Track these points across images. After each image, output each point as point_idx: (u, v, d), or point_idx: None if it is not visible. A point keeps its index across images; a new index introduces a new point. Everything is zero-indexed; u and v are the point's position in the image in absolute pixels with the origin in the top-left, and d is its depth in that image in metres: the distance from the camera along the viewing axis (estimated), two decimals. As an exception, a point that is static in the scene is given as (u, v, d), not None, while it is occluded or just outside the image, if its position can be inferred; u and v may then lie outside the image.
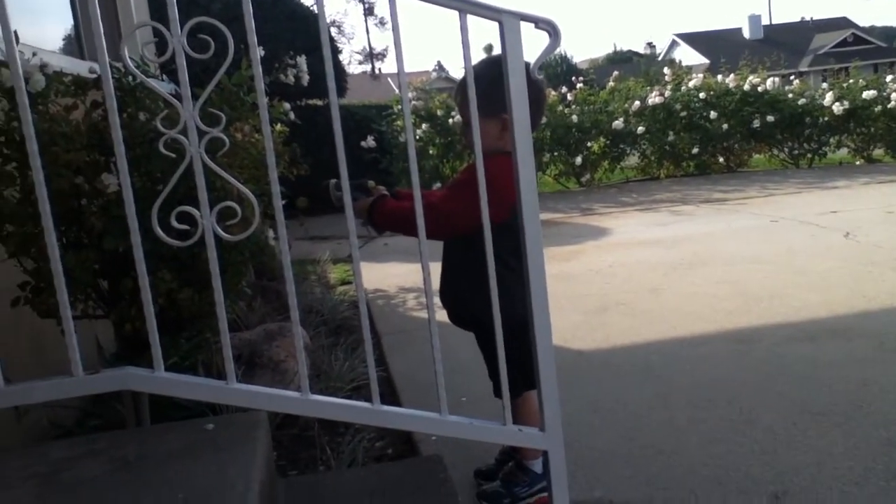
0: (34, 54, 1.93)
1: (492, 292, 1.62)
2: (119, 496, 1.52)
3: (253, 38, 1.49)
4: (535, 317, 1.65)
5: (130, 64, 1.54)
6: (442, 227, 1.92)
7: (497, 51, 1.62)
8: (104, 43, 1.47)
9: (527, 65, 1.59)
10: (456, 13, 1.54)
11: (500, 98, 1.57)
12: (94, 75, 1.99)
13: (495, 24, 1.55)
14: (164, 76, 2.86)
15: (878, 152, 11.77)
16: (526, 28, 1.57)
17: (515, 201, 1.71)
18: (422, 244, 1.63)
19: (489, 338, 1.70)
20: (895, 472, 2.09)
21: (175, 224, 1.47)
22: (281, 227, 1.59)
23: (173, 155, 1.52)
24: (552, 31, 1.58)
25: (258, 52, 1.52)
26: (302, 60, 2.55)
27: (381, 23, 44.83)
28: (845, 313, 3.62)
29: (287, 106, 2.67)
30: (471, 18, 1.55)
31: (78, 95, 2.02)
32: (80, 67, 2.87)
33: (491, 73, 1.60)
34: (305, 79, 2.56)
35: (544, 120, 10.07)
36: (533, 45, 1.68)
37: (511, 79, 1.57)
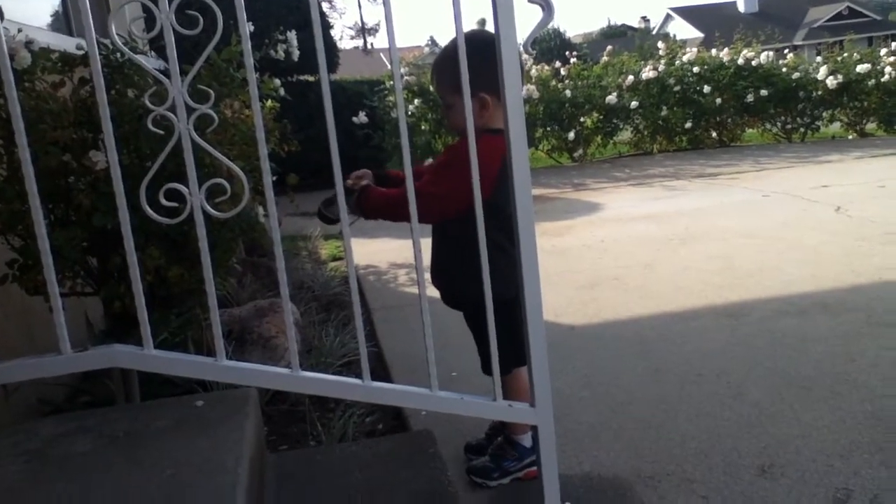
0: (19, 30, 1.91)
1: (483, 272, 1.63)
2: (108, 472, 1.53)
3: (242, 13, 1.47)
4: (526, 292, 1.66)
5: (118, 40, 1.53)
6: (428, 211, 1.90)
7: (490, 26, 1.60)
8: (91, 19, 1.45)
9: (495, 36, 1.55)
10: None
11: (477, 76, 1.56)
12: (82, 52, 1.97)
13: (488, -1, 1.54)
14: (153, 53, 2.84)
15: (871, 126, 11.77)
16: (519, 2, 1.56)
17: (498, 179, 1.71)
18: (413, 223, 1.62)
19: (479, 316, 1.70)
20: (880, 445, 2.11)
21: (164, 201, 1.47)
22: (270, 204, 1.58)
23: (161, 132, 1.51)
24: (545, 5, 1.56)
25: (247, 28, 1.50)
26: (292, 36, 2.52)
27: (374, -3, 44.40)
28: (834, 287, 3.64)
29: (277, 82, 2.65)
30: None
31: (65, 72, 2.00)
32: (67, 44, 2.84)
33: (475, 47, 1.58)
34: (296, 54, 2.53)
35: (537, 95, 10.03)
36: (526, 19, 1.67)
37: (504, 54, 1.55)
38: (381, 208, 1.96)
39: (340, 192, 1.60)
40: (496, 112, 1.90)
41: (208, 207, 1.51)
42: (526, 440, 2.08)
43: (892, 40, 12.19)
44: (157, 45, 1.51)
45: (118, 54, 2.02)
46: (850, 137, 11.59)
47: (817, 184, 6.88)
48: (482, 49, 1.62)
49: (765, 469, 2.05)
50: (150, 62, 1.92)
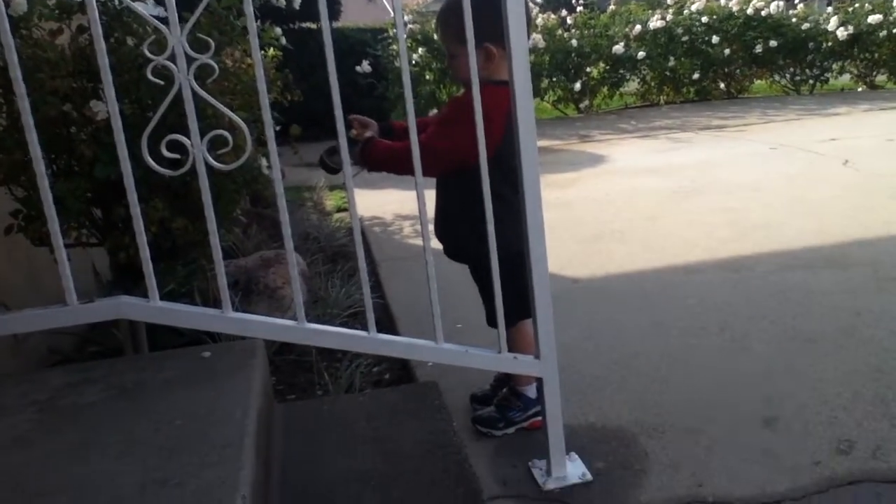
0: (15, -25, 1.86)
1: (487, 225, 1.62)
2: (116, 422, 1.55)
3: (241, -42, 1.44)
4: (531, 245, 1.65)
5: (115, -14, 1.50)
6: (433, 165, 1.88)
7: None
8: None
9: None
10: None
11: (482, 26, 1.53)
12: (79, -1, 1.93)
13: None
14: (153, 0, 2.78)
15: (881, 78, 11.59)
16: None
17: (506, 132, 1.69)
18: (417, 176, 1.61)
19: (483, 270, 1.70)
20: (883, 397, 2.12)
21: (165, 153, 1.45)
22: (273, 155, 1.56)
23: (162, 82, 1.48)
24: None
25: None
26: (294, -18, 2.48)
27: (377, -58, 43.43)
28: (841, 242, 3.62)
29: (278, 30, 2.60)
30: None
31: (63, 20, 1.96)
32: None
33: (473, 1, 1.54)
34: (297, 1, 2.48)
35: (542, 44, 9.89)
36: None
37: (509, 3, 1.52)
38: (386, 161, 1.94)
39: (343, 143, 1.58)
40: (501, 63, 1.86)
41: (210, 159, 1.49)
42: (531, 391, 2.10)
43: (906, -11, 11.94)
44: (156, -7, 1.48)
45: (117, 1, 1.98)
46: (860, 90, 11.44)
47: (825, 137, 6.80)
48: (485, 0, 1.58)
49: (768, 421, 2.06)
50: (149, 10, 1.89)
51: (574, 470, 1.86)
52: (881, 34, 10.72)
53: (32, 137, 1.43)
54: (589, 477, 1.84)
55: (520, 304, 1.79)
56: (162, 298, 1.57)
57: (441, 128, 1.92)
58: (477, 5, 1.51)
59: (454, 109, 1.93)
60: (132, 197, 1.49)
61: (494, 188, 1.63)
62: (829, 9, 11.89)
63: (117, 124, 1.46)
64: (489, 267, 1.68)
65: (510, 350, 1.77)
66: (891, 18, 10.74)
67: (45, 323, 1.59)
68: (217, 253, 1.56)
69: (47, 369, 2.22)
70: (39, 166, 1.45)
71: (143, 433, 1.50)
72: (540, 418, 1.90)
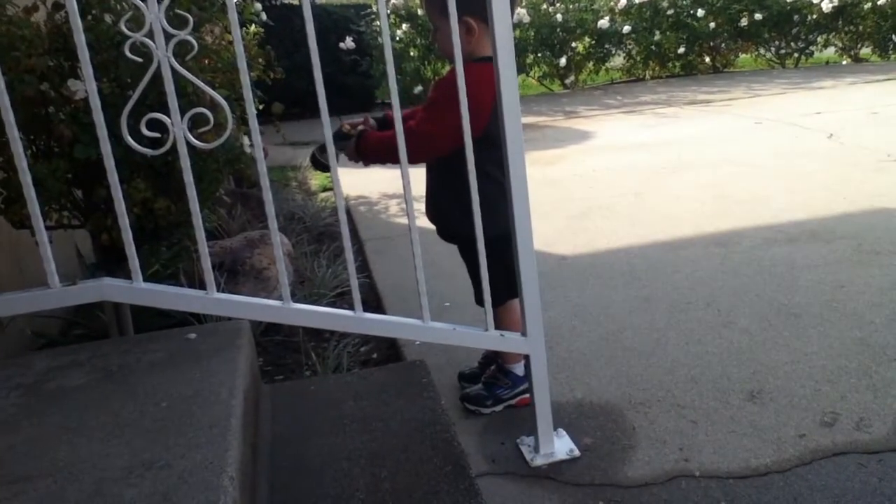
0: (-13, -49, 1.82)
1: (473, 205, 1.61)
2: (102, 405, 1.54)
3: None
4: (517, 223, 1.64)
5: (90, -39, 1.47)
6: (425, 151, 1.87)
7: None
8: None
9: None
10: None
11: None
12: (56, -26, 1.89)
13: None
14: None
15: (865, 51, 11.61)
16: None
17: (493, 111, 1.68)
18: (402, 155, 1.59)
19: (473, 250, 1.69)
20: (866, 370, 2.14)
21: (145, 132, 1.43)
22: (255, 134, 1.54)
23: (140, 59, 1.46)
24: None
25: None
26: (273, -43, 2.43)
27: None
28: (825, 215, 3.64)
29: (258, 6, 2.58)
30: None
31: (38, -4, 1.93)
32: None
33: None
34: (278, -24, 2.45)
35: (528, 19, 9.82)
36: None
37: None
38: (380, 152, 1.92)
39: (327, 124, 1.56)
40: (483, 38, 1.85)
41: (191, 138, 1.47)
42: (518, 368, 2.10)
43: (891, -39, 11.92)
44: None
45: (94, -23, 1.94)
46: (845, 63, 11.45)
47: (810, 110, 6.81)
48: None
49: (754, 394, 2.07)
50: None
51: (562, 446, 1.87)
52: (865, 6, 10.72)
53: (9, 118, 1.40)
54: (577, 453, 1.85)
55: (508, 283, 1.79)
56: (146, 280, 1.56)
57: (428, 111, 1.90)
58: None
59: (439, 91, 1.91)
60: (113, 178, 1.47)
61: (483, 168, 1.62)
62: (815, -20, 11.88)
63: (96, 103, 1.43)
64: (495, 244, 1.68)
65: (499, 328, 1.77)
66: (875, -10, 10.74)
67: (28, 306, 1.58)
68: (200, 234, 1.54)
69: (32, 353, 2.20)
70: (17, 147, 1.43)
71: (130, 415, 1.49)
72: (528, 396, 1.91)
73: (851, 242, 3.20)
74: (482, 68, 1.70)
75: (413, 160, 1.65)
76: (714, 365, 2.26)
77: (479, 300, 1.91)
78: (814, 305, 2.60)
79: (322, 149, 1.89)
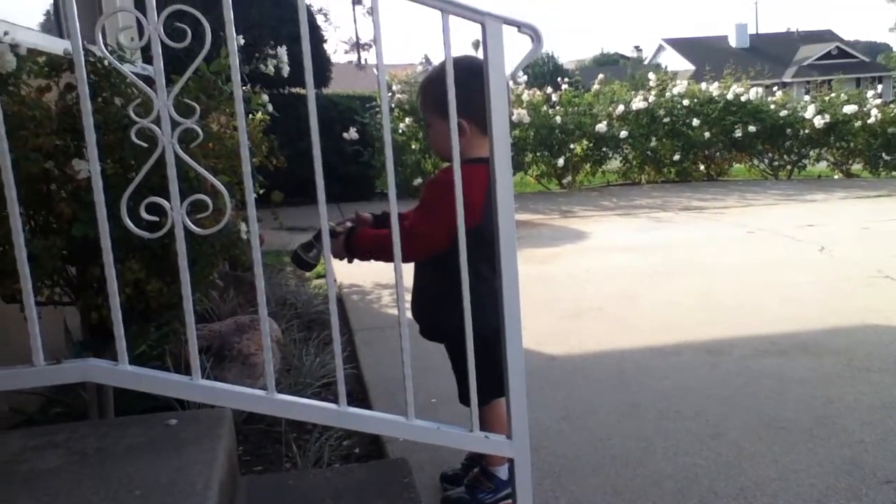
0: (6, 33, 1.88)
1: (464, 301, 1.61)
2: (75, 490, 1.50)
3: (231, 29, 1.46)
4: (506, 323, 1.64)
5: (104, 49, 1.51)
6: (420, 249, 1.89)
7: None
8: (78, 25, 1.43)
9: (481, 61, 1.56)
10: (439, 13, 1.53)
11: (457, 101, 1.55)
12: (70, 56, 1.94)
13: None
14: (143, 65, 2.81)
15: (856, 167, 11.90)
16: (509, 30, 1.56)
17: (485, 210, 1.70)
18: (395, 245, 1.61)
19: (461, 348, 1.68)
20: (856, 492, 2.10)
21: (144, 215, 1.45)
22: (253, 223, 1.56)
23: (145, 144, 1.49)
24: (535, 36, 1.56)
25: (236, 44, 1.49)
26: (282, 51, 2.51)
27: (369, 12, 44.40)
28: (816, 328, 3.65)
29: (265, 97, 2.63)
30: (454, 18, 1.53)
31: (52, 77, 1.98)
32: (56, 46, 2.82)
33: (457, 73, 1.57)
34: (286, 70, 2.52)
35: (528, 120, 10.08)
36: (516, 47, 1.67)
37: (492, 82, 1.55)
38: (372, 250, 1.93)
39: (324, 215, 1.58)
40: (476, 140, 1.88)
41: (189, 223, 1.49)
42: (502, 472, 2.06)
43: (879, 82, 12.37)
44: (149, 55, 1.49)
45: (106, 61, 1.99)
46: (836, 177, 11.72)
47: (802, 222, 6.92)
48: (465, 76, 1.60)
49: (741, 511, 2.03)
50: (138, 70, 1.90)
51: (544, 556, 1.81)
52: (856, 124, 11.06)
53: (11, 194, 1.42)
54: (559, 564, 1.79)
55: (494, 381, 1.77)
56: (133, 360, 1.54)
57: (421, 212, 1.91)
58: (457, 81, 1.54)
59: (433, 192, 1.93)
60: (108, 258, 1.47)
61: (475, 266, 1.63)
62: (807, 97, 12.28)
63: (98, 184, 1.45)
64: (465, 344, 1.66)
65: (483, 428, 1.74)
66: (865, 109, 11.09)
67: (10, 383, 1.56)
68: (190, 318, 1.54)
69: (7, 431, 2.16)
70: (17, 223, 1.44)
71: (101, 503, 1.45)
72: (510, 501, 1.86)
73: (842, 357, 3.20)
74: (473, 169, 1.73)
75: (408, 259, 1.67)
76: (701, 478, 2.21)
77: (464, 399, 1.89)
78: (803, 420, 2.58)
79: (305, 247, 1.90)
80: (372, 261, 1.95)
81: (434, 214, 1.84)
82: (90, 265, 1.95)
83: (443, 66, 1.61)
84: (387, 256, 1.68)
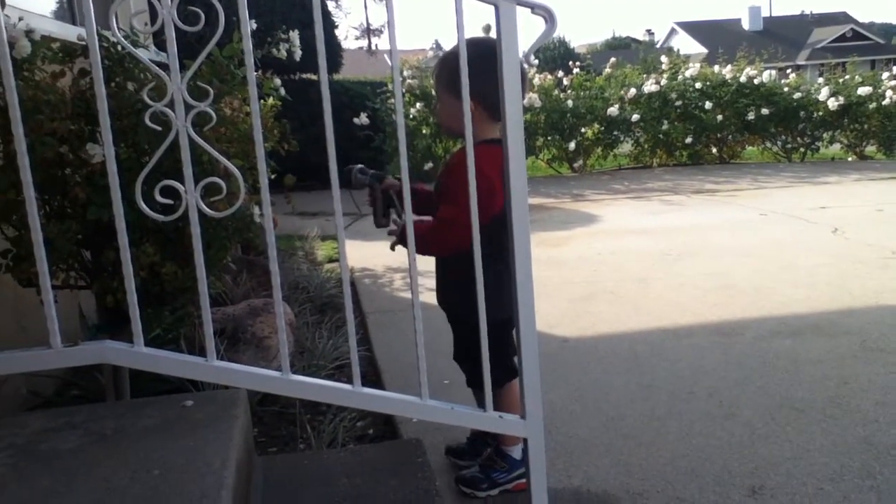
0: (20, 19, 1.89)
1: (478, 285, 1.61)
2: (93, 470, 1.52)
3: (244, 12, 1.46)
4: (520, 304, 1.64)
5: (118, 34, 1.52)
6: (460, 238, 1.84)
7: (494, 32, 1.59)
8: (93, 10, 1.44)
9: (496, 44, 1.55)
10: (451, -6, 1.52)
11: (473, 81, 1.54)
12: (83, 42, 1.95)
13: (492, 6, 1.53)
14: (155, 48, 2.82)
15: (870, 149, 11.80)
16: (522, 12, 1.55)
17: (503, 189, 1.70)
18: (408, 226, 1.61)
19: (473, 337, 1.67)
20: (870, 470, 2.10)
21: (159, 198, 1.46)
22: (266, 205, 1.56)
23: (159, 128, 1.49)
24: (548, 17, 1.56)
25: (249, 27, 1.49)
26: (294, 35, 2.50)
27: (380, -2, 44.22)
28: (829, 310, 3.64)
29: (278, 82, 2.64)
30: (466, 1, 1.53)
31: (65, 62, 1.99)
32: (69, 33, 2.83)
33: (469, 55, 1.56)
34: (298, 54, 2.51)
35: (539, 104, 10.04)
36: (529, 29, 1.67)
37: (505, 64, 1.55)
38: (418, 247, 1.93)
39: (336, 197, 1.58)
40: (482, 123, 1.87)
41: (203, 206, 1.49)
42: (516, 451, 2.07)
43: (895, 64, 12.22)
44: (160, 39, 1.50)
45: (119, 46, 2.00)
46: (850, 159, 11.62)
47: (815, 205, 6.88)
48: (477, 60, 1.59)
49: (755, 490, 2.03)
50: (151, 56, 1.91)
51: (557, 534, 1.82)
52: (871, 106, 10.95)
53: (27, 178, 1.43)
54: (572, 542, 1.81)
55: (508, 366, 1.79)
56: (147, 344, 1.55)
57: (451, 200, 1.89)
58: (471, 60, 1.53)
59: (455, 179, 1.90)
60: (123, 241, 1.49)
61: (499, 253, 1.64)
62: (821, 79, 12.16)
63: (112, 168, 1.46)
64: (498, 329, 1.68)
65: (497, 408, 1.75)
66: (879, 91, 10.97)
67: (29, 365, 1.57)
68: (205, 300, 1.55)
69: (27, 413, 2.18)
70: (32, 207, 1.45)
71: (120, 482, 1.47)
72: (524, 480, 1.87)
73: (855, 338, 3.19)
74: (489, 150, 1.74)
75: (446, 251, 1.85)
76: (715, 458, 2.22)
77: (471, 383, 1.90)
78: (817, 401, 2.58)
79: (361, 171, 2.03)
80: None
81: (466, 200, 1.82)
82: (105, 249, 1.96)
83: (456, 48, 1.60)
84: (427, 249, 1.81)
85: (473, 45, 1.72)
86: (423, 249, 1.85)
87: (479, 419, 1.75)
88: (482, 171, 1.60)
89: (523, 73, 1.73)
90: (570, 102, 10.50)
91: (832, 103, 10.84)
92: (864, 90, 10.91)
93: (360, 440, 2.48)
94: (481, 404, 1.71)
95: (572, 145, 10.78)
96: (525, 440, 1.75)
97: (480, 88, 1.63)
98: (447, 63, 1.89)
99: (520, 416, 1.74)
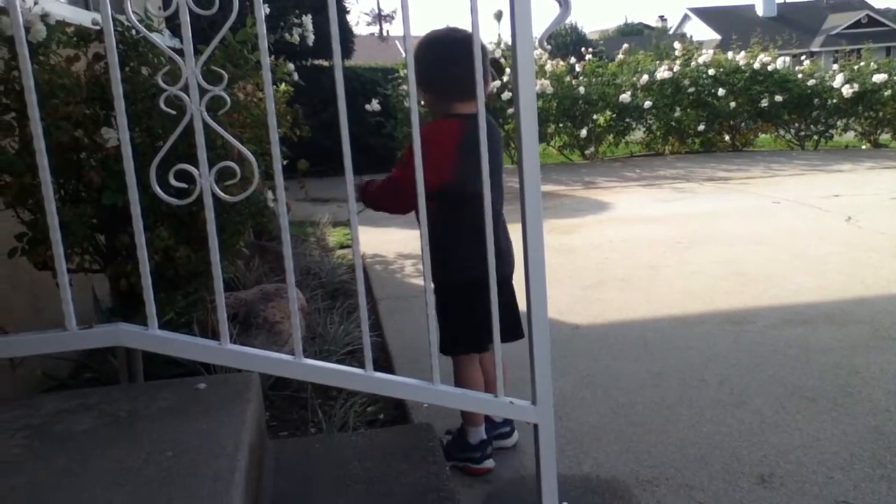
0: (35, 3, 1.90)
1: (423, 252, 1.69)
2: (108, 451, 1.53)
3: (258, -4, 1.46)
4: (532, 290, 1.65)
5: (133, 18, 1.52)
6: (402, 196, 1.95)
7: (507, 18, 1.59)
8: (107, -6, 1.44)
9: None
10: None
11: (418, 73, 1.89)
12: (98, 27, 1.96)
13: (505, -9, 1.53)
14: (169, 32, 2.82)
15: (885, 137, 11.69)
16: (536, -2, 1.54)
17: (461, 157, 1.92)
18: (421, 213, 1.62)
19: (440, 299, 1.84)
20: (881, 459, 2.10)
21: (173, 182, 1.46)
22: (280, 190, 1.57)
23: (174, 112, 1.50)
24: (563, 1, 1.55)
25: (263, 10, 1.49)
26: (307, 20, 2.50)
27: (392, -16, 44.16)
28: (841, 298, 3.62)
29: (291, 66, 2.63)
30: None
31: (80, 47, 1.99)
32: (83, 18, 2.84)
33: (416, 48, 1.74)
34: (310, 39, 2.51)
35: (551, 90, 9.98)
36: (543, 14, 1.66)
37: (519, 48, 1.54)
38: (379, 198, 2.08)
39: (350, 180, 1.58)
40: (445, 103, 2.09)
41: (217, 190, 1.50)
42: (472, 435, 2.13)
43: (911, 51, 12.08)
44: (173, 24, 1.50)
45: (134, 31, 2.00)
46: (864, 147, 11.53)
47: (828, 193, 6.84)
48: (421, 51, 2.01)
49: (764, 478, 2.04)
50: (165, 41, 1.91)
51: (567, 520, 1.83)
52: (886, 93, 10.84)
53: (43, 162, 1.44)
54: (582, 527, 1.82)
55: (473, 334, 1.86)
56: (161, 327, 1.57)
57: (402, 162, 2.04)
58: (425, 55, 1.93)
59: (411, 146, 2.01)
60: (138, 225, 1.50)
61: (460, 218, 1.85)
62: (835, 66, 12.05)
63: (127, 152, 1.47)
64: (444, 293, 1.88)
65: (455, 383, 1.80)
66: (895, 78, 10.86)
67: (44, 347, 1.59)
68: (219, 284, 1.56)
69: (42, 394, 2.21)
70: (48, 190, 1.46)
71: (134, 463, 1.48)
72: (473, 467, 2.10)
73: (867, 327, 3.18)
74: (444, 123, 2.01)
75: (399, 208, 2.03)
76: (725, 445, 2.22)
77: (443, 349, 1.97)
78: (828, 389, 2.57)
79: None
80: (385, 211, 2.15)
81: (409, 161, 1.88)
82: (119, 233, 1.97)
83: (420, 43, 1.98)
84: (386, 204, 2.04)
85: (426, 38, 2.06)
86: (375, 206, 2.10)
87: (490, 404, 1.76)
88: (434, 140, 1.83)
89: (485, 52, 1.72)
90: (581, 89, 10.44)
91: (846, 90, 10.74)
92: (879, 77, 10.80)
93: (371, 425, 2.49)
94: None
95: (584, 132, 10.73)
96: (535, 426, 1.76)
97: (422, 77, 2.03)
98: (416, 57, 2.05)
99: (531, 402, 1.74)
